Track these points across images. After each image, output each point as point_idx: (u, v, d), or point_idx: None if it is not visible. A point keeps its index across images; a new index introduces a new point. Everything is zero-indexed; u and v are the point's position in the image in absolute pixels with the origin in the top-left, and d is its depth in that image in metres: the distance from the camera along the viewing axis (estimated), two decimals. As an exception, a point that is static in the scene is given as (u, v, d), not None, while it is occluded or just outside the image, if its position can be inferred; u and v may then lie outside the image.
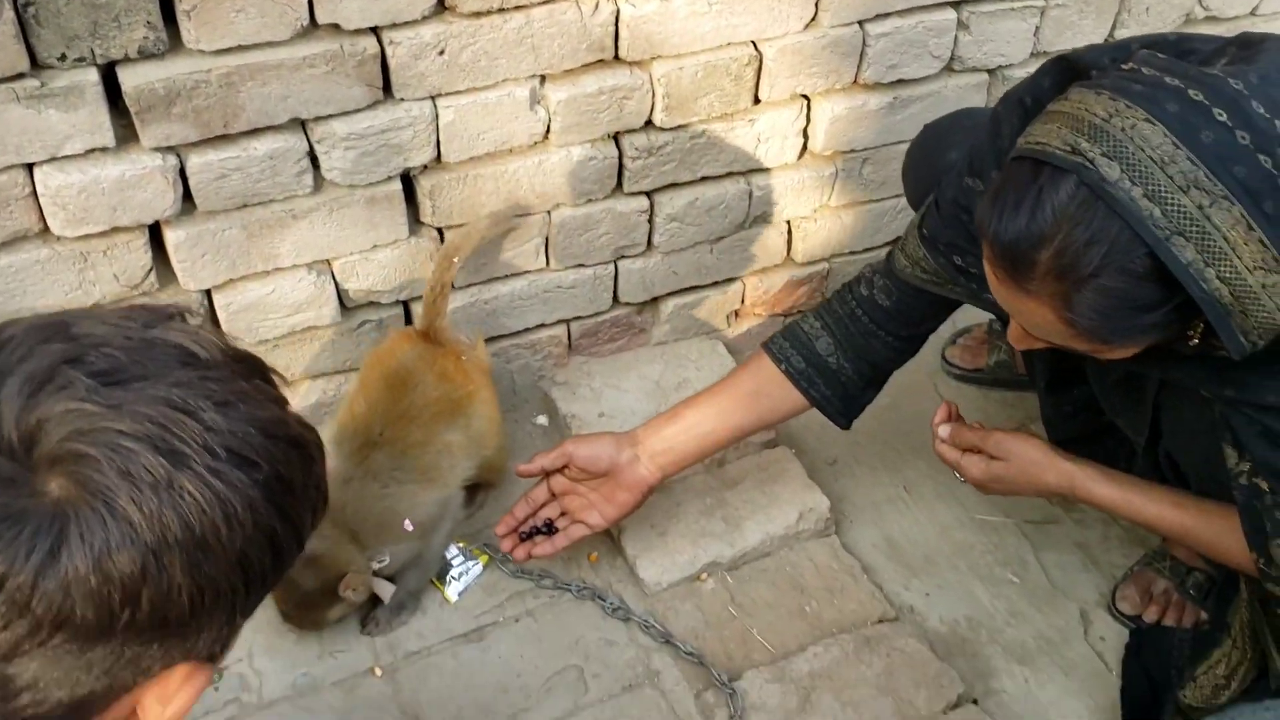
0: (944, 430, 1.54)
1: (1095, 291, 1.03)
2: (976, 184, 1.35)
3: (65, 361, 0.66)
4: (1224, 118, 1.00)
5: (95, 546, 0.62)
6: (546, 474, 1.62)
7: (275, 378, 0.75)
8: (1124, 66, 1.09)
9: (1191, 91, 1.02)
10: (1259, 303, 1.02)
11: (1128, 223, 1.00)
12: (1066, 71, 1.22)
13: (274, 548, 0.70)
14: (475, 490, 1.75)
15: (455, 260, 1.64)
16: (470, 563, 1.68)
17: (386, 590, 1.58)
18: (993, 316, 2.04)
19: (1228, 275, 1.00)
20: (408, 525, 1.56)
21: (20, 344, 0.67)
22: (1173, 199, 0.99)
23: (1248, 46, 1.08)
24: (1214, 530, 1.35)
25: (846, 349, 1.58)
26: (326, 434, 1.68)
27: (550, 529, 1.61)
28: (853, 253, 2.06)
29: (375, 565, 1.56)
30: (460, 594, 1.66)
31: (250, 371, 0.73)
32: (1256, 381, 1.16)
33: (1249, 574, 1.33)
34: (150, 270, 1.57)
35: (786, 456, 1.86)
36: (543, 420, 1.93)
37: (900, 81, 1.86)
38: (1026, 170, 1.08)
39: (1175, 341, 1.13)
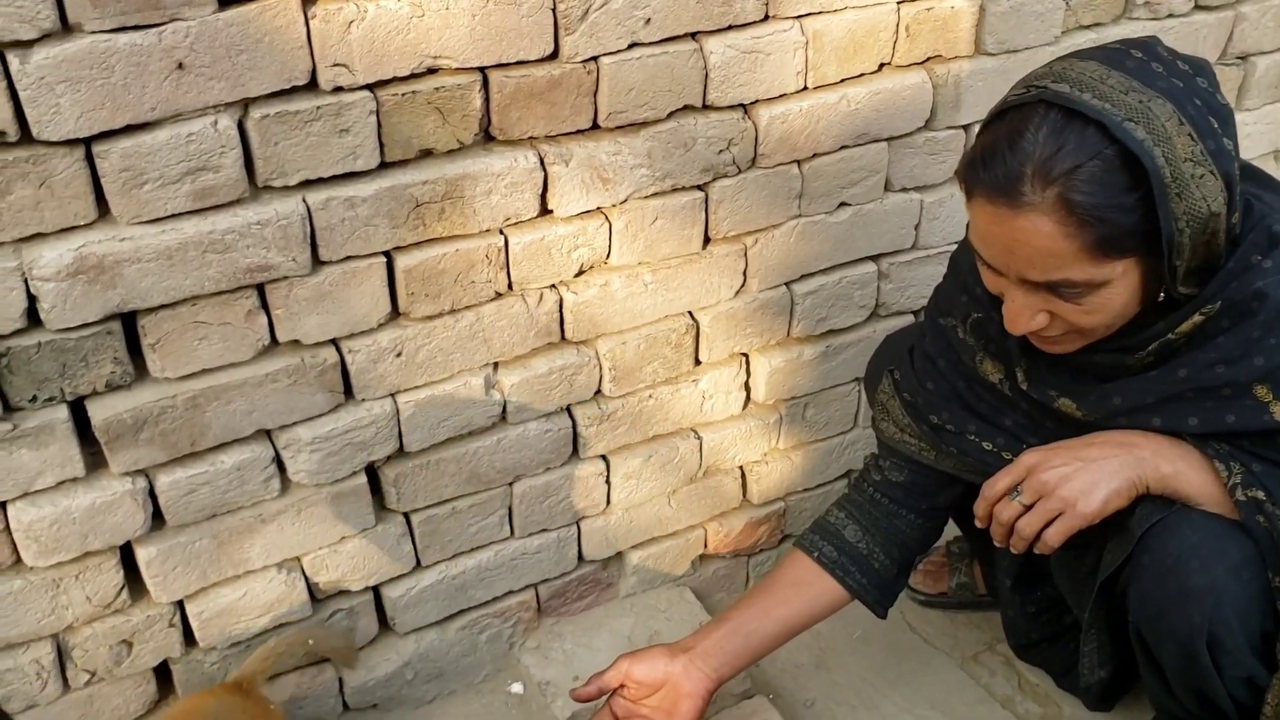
0: None
1: (1082, 179, 1.21)
2: (949, 321, 1.54)
3: None
4: (1140, 54, 1.27)
5: None
6: (603, 695, 1.63)
7: None
8: None
9: (1110, 45, 1.30)
10: (1189, 190, 1.22)
11: (1089, 119, 1.21)
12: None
13: None
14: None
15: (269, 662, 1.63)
16: None
17: None
18: (951, 540, 2.11)
19: (1170, 156, 1.21)
20: None
21: None
22: (1119, 98, 1.22)
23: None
24: None
25: (874, 534, 1.66)
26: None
27: None
28: (806, 489, 2.13)
29: None
30: None
31: None
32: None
33: None
34: (123, 588, 1.59)
35: (764, 705, 1.87)
36: (517, 688, 1.93)
37: (831, 331, 1.97)
38: (995, 125, 1.29)
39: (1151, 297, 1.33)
